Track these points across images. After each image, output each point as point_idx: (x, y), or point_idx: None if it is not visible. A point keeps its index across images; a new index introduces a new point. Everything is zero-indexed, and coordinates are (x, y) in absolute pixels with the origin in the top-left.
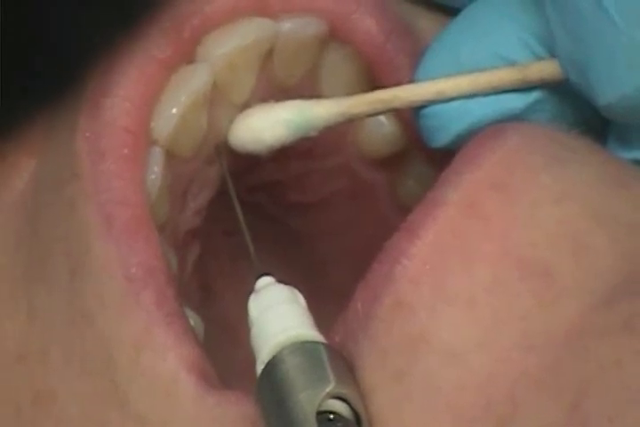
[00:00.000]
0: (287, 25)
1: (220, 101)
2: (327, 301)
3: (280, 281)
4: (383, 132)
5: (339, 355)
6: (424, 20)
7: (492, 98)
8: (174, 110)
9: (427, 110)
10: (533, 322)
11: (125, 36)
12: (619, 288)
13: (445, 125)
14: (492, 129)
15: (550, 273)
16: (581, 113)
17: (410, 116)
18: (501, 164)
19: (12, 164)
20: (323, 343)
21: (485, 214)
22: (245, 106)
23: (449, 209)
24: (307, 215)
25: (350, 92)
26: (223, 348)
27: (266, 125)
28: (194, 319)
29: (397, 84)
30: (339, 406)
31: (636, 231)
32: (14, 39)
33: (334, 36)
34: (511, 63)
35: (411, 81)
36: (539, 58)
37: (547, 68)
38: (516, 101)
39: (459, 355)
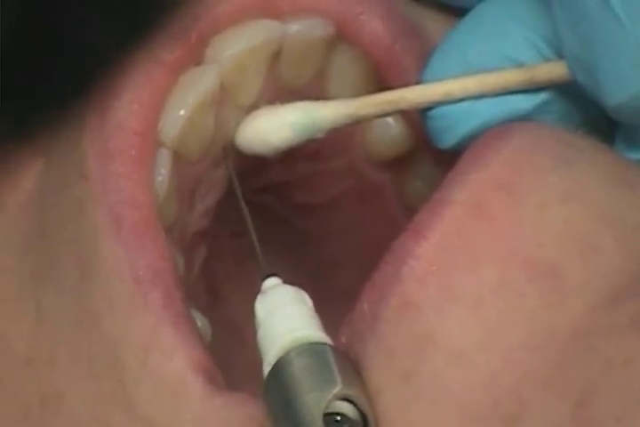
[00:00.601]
0: (294, 27)
1: (228, 103)
2: (334, 301)
3: (287, 282)
4: (390, 133)
5: (345, 356)
6: (431, 21)
7: (500, 99)
8: (182, 112)
9: (434, 111)
10: (539, 322)
11: (137, 41)
12: (624, 289)
13: (453, 126)
14: (499, 129)
15: (557, 274)
16: (589, 114)
17: (417, 118)
18: (508, 164)
19: (20, 165)
20: (329, 345)
21: (492, 215)
22: (253, 107)
23: (455, 209)
24: (314, 216)
25: (357, 94)
26: (230, 349)
27: (272, 127)
28: (201, 321)
29: (405, 85)
30: (346, 408)
31: None
32: (22, 40)
33: (341, 37)
34: (519, 64)
35: (418, 82)
36: (546, 59)
37: (554, 69)
38: (524, 102)
39: (465, 355)
